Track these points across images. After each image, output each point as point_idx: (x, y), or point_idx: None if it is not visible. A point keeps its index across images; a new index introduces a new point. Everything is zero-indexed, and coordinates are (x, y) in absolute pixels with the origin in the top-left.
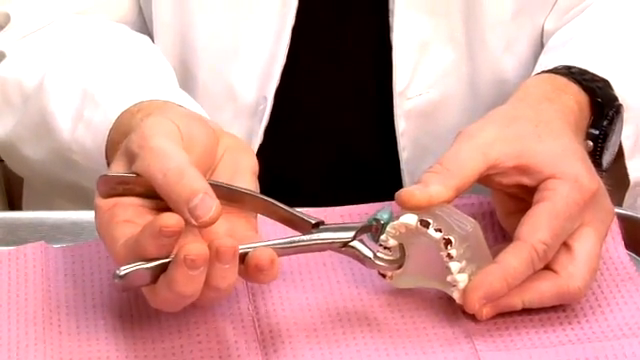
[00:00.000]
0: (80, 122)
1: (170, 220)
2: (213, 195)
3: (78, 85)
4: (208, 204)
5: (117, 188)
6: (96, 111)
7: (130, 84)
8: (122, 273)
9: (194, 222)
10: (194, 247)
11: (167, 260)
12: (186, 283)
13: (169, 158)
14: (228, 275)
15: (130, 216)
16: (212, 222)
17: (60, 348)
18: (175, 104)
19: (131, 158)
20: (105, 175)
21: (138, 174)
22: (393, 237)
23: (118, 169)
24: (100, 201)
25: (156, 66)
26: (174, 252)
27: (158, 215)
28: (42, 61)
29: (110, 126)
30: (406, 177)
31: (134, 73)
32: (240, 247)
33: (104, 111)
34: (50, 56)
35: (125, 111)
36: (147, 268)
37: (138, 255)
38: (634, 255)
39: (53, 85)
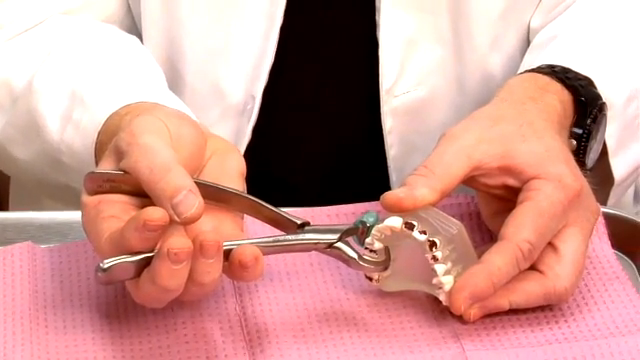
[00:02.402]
0: (69, 124)
1: (155, 214)
2: (197, 192)
3: (67, 86)
4: (191, 201)
5: (104, 186)
6: (85, 113)
7: (119, 86)
8: (105, 266)
9: (177, 218)
10: (177, 241)
11: (151, 254)
12: (169, 277)
13: (156, 155)
14: (212, 270)
15: (116, 212)
16: (194, 219)
17: (47, 348)
18: (164, 106)
19: (119, 155)
20: (92, 172)
21: (125, 171)
22: (378, 240)
23: (106, 166)
24: (86, 198)
25: (145, 68)
26: (158, 247)
27: (143, 209)
28: (31, 62)
29: (99, 128)
30: (393, 175)
31: (123, 75)
32: (225, 243)
33: (93, 113)
34: (39, 57)
35: (114, 113)
36: (131, 262)
37: (122, 249)
38: (620, 254)
39: (42, 86)
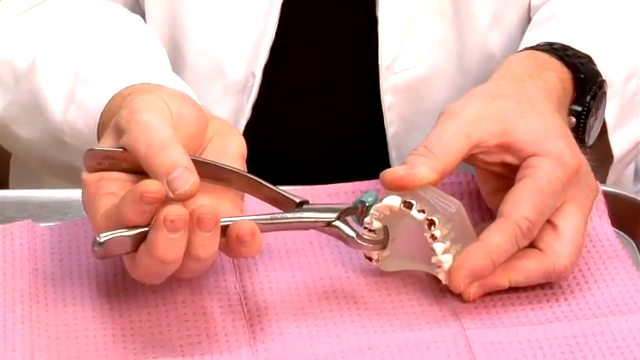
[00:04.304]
0: (72, 104)
1: (152, 186)
2: (193, 170)
3: (70, 66)
4: (186, 178)
5: (103, 163)
6: (88, 93)
7: (122, 67)
8: (102, 240)
9: (171, 195)
10: (174, 209)
11: (147, 229)
12: (166, 247)
13: (155, 132)
14: (209, 244)
15: (115, 189)
16: (188, 196)
17: (47, 326)
18: (167, 87)
19: (119, 133)
20: (92, 149)
21: (125, 148)
22: (377, 219)
23: (106, 144)
24: (86, 176)
25: (149, 49)
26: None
27: (141, 182)
28: (34, 41)
29: (102, 108)
30: (393, 152)
31: (126, 56)
32: (222, 220)
33: (96, 93)
34: (42, 36)
35: (117, 94)
36: (127, 236)
37: (119, 222)
38: (620, 232)
39: (45, 66)
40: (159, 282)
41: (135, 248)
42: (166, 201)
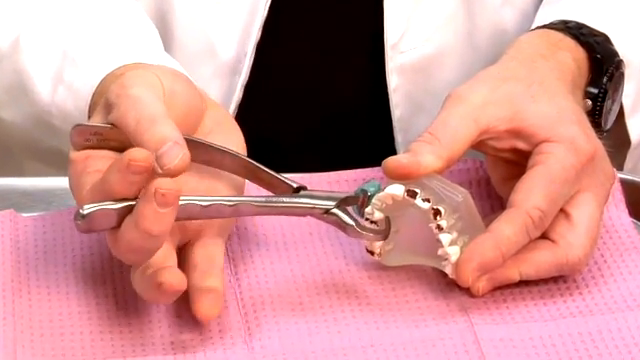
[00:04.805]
0: (60, 85)
1: (139, 154)
2: (184, 145)
3: (57, 45)
4: (175, 152)
5: (92, 139)
6: (77, 74)
7: (114, 46)
8: (85, 212)
9: (159, 170)
10: (166, 182)
11: (134, 203)
12: (153, 220)
13: (145, 106)
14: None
15: (103, 167)
16: (177, 171)
17: (30, 322)
18: (161, 65)
19: (109, 109)
20: (79, 125)
21: (114, 124)
22: (379, 209)
23: (96, 121)
24: (74, 154)
25: (140, 26)
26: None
27: (127, 150)
28: (17, 18)
29: (93, 90)
30: (399, 136)
31: (117, 33)
32: (198, 198)
33: (86, 74)
34: (26, 12)
35: (109, 74)
36: (113, 209)
37: (104, 194)
38: (638, 222)
39: (30, 44)
40: (140, 262)
41: (120, 223)
42: (156, 178)
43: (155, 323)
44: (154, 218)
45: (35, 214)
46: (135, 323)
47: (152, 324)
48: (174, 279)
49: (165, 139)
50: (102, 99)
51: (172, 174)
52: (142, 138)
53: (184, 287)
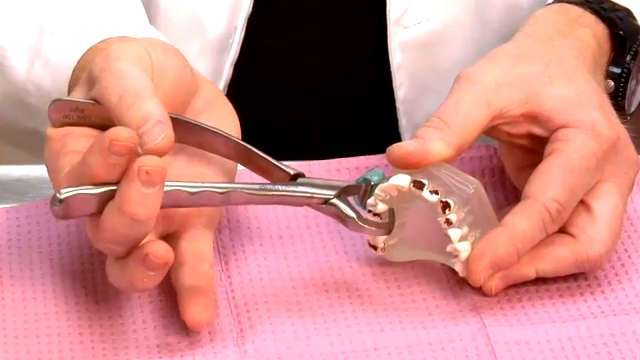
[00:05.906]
0: (37, 59)
1: (122, 133)
2: (168, 123)
3: (33, 18)
4: (158, 130)
5: (71, 115)
6: (56, 48)
7: (96, 18)
8: (62, 196)
9: (140, 150)
10: (151, 159)
11: (116, 187)
12: (139, 202)
13: (129, 81)
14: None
15: (82, 147)
16: (160, 151)
17: (4, 324)
18: (149, 37)
19: (92, 83)
20: (58, 100)
21: (96, 100)
22: (382, 201)
23: (77, 96)
24: (51, 130)
25: None
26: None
27: (109, 129)
28: None
29: (73, 64)
30: (403, 119)
31: (99, 6)
32: (185, 184)
33: (65, 48)
34: None
35: (91, 48)
36: (93, 194)
37: (84, 177)
38: None
39: (2, 18)
40: (123, 252)
41: (101, 209)
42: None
43: (139, 324)
44: (139, 200)
45: (8, 206)
46: (117, 324)
47: (136, 325)
48: (160, 249)
49: (149, 116)
50: (84, 73)
51: (154, 154)
52: (124, 115)
53: (171, 259)
